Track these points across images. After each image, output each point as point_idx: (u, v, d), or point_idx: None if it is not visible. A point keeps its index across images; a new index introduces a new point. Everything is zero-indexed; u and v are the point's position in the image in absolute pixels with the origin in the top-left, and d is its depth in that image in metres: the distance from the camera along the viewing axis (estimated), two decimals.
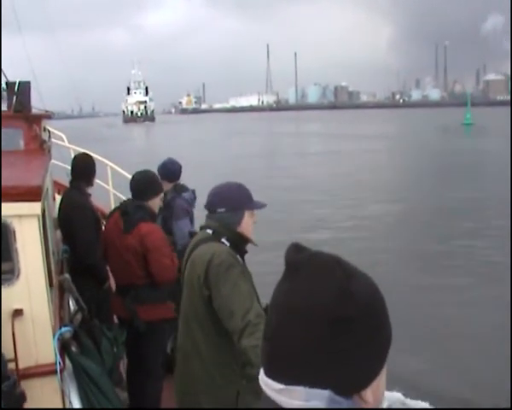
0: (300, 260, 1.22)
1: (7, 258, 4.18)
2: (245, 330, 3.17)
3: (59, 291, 5.30)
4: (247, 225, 3.79)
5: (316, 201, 24.99)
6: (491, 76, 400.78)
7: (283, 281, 1.22)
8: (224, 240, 3.66)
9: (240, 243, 3.75)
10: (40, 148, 6.39)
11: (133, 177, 5.58)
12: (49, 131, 8.08)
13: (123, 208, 5.44)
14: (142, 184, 5.47)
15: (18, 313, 4.12)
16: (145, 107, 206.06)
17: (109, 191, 9.99)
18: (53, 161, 8.19)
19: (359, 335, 1.14)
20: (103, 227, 6.15)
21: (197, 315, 3.58)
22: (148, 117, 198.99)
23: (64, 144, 10.99)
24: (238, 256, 3.61)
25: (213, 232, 3.72)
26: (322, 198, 25.55)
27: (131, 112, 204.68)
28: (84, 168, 6.39)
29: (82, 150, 8.75)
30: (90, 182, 6.40)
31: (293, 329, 1.14)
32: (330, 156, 43.18)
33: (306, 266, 1.20)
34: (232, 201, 3.74)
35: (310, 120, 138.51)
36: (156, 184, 5.61)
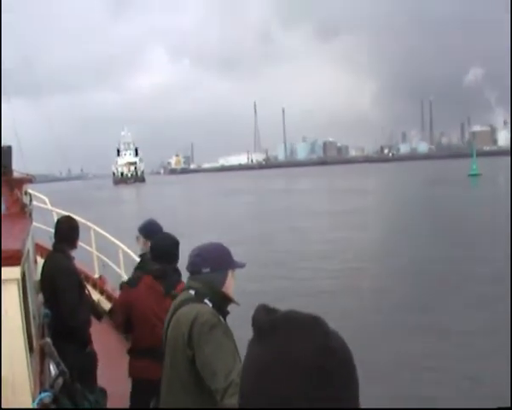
0: (277, 320, 1.25)
1: None
2: (228, 390, 3.16)
3: (40, 356, 5.18)
4: (230, 284, 3.83)
5: (304, 260, 24.45)
6: (476, 127, 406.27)
7: (259, 341, 1.24)
8: (206, 300, 3.68)
9: (222, 304, 3.75)
10: (21, 211, 6.40)
11: (157, 241, 5.54)
12: (30, 195, 7.94)
13: (158, 273, 5.40)
14: (170, 247, 5.53)
15: None
16: (135, 168, 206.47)
17: (93, 254, 10.02)
18: (35, 224, 8.27)
19: (338, 385, 1.20)
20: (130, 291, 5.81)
21: (180, 375, 3.55)
22: (138, 178, 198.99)
23: (47, 207, 11.05)
24: (220, 316, 3.61)
25: (196, 293, 3.73)
26: (310, 259, 24.97)
27: (121, 173, 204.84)
28: (67, 231, 6.39)
29: (64, 213, 8.85)
30: (73, 245, 6.44)
31: (275, 387, 1.17)
32: (319, 215, 42.76)
33: (284, 325, 1.23)
34: (216, 261, 3.77)
35: (300, 177, 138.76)
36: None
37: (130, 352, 5.75)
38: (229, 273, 3.82)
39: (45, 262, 6.45)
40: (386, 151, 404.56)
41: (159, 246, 5.50)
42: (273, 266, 22.39)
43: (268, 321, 1.25)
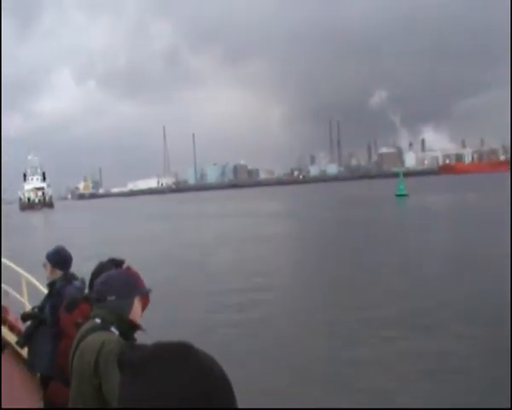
0: (148, 355, 1.26)
1: None
2: None
3: None
4: (137, 311, 3.83)
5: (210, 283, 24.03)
6: (383, 149, 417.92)
7: (135, 379, 1.24)
8: (113, 329, 3.66)
9: (129, 331, 3.73)
10: None
11: (99, 268, 5.06)
12: None
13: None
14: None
15: None
16: (43, 193, 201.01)
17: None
18: None
19: (219, 405, 1.24)
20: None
21: (86, 406, 3.48)
22: (46, 204, 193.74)
23: None
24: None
25: (102, 321, 3.69)
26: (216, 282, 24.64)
27: (28, 199, 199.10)
28: None
29: None
30: None
31: None
32: (227, 238, 42.48)
33: (157, 359, 1.25)
34: (122, 288, 3.76)
35: (210, 200, 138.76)
36: None
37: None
38: (136, 300, 3.81)
39: None
40: (296, 173, 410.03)
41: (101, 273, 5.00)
42: (178, 293, 21.76)
43: (139, 357, 1.25)
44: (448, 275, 21.06)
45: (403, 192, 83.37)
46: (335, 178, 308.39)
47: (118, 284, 3.79)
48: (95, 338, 3.57)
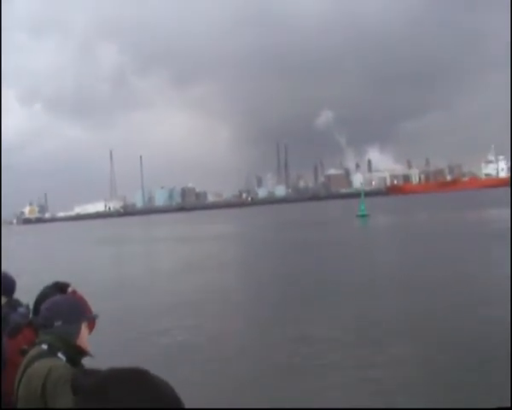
0: (103, 381, 1.25)
1: None
2: None
3: None
4: (84, 337, 3.81)
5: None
6: (331, 171, 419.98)
7: (92, 403, 1.22)
8: (60, 354, 3.63)
9: (76, 357, 3.70)
10: None
11: (43, 293, 5.15)
12: None
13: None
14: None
15: None
16: None
17: None
18: None
19: None
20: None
21: None
22: None
23: None
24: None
25: (48, 347, 3.66)
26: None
27: None
28: None
29: None
30: None
31: None
32: (175, 264, 42.39)
33: (112, 384, 1.23)
34: (68, 313, 3.74)
35: (158, 224, 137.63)
36: None
37: None
38: (83, 326, 3.80)
39: None
40: (244, 196, 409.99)
41: (46, 298, 4.94)
42: (125, 318, 21.55)
43: (93, 383, 1.23)
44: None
45: (364, 213, 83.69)
46: (284, 200, 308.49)
47: (64, 309, 3.77)
48: (41, 364, 3.53)
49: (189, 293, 26.25)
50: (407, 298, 19.84)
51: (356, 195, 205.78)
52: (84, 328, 3.82)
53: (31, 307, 5.67)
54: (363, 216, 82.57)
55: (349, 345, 14.38)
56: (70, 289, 5.28)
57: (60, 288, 5.35)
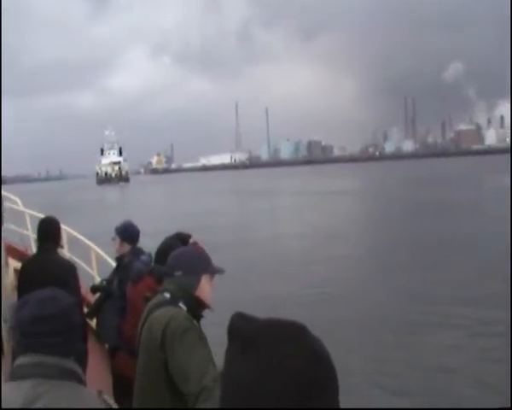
0: (260, 330, 1.21)
1: None
2: (200, 394, 3.14)
3: (12, 359, 4.65)
4: (205, 289, 3.77)
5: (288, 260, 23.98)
6: (461, 126, 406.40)
7: (243, 354, 1.20)
8: (181, 304, 3.65)
9: (197, 308, 3.72)
10: None
11: (166, 243, 5.21)
12: (0, 196, 7.79)
13: (161, 275, 4.77)
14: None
15: None
16: (119, 168, 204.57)
17: (64, 255, 9.37)
18: (6, 225, 8.27)
19: (331, 394, 1.21)
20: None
21: (152, 379, 3.50)
22: (122, 178, 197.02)
23: (18, 208, 10.92)
24: (195, 321, 3.57)
25: (171, 296, 3.69)
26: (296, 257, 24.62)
27: (105, 173, 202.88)
28: (55, 231, 6.29)
29: (36, 214, 9.46)
30: (58, 244, 6.38)
31: (267, 401, 1.14)
32: (304, 213, 41.75)
33: (268, 335, 1.20)
34: (189, 264, 3.76)
35: (285, 177, 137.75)
36: None
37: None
38: (203, 278, 3.77)
39: (42, 261, 6.05)
40: (370, 150, 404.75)
41: (167, 248, 5.03)
42: (251, 271, 21.50)
43: (250, 331, 1.21)
44: None
45: None
46: (412, 156, 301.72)
47: (185, 260, 3.80)
48: (162, 313, 3.58)
49: (311, 254, 25.79)
50: None
51: (489, 152, 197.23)
52: (204, 280, 3.78)
53: (153, 256, 5.68)
54: None
55: None
56: (191, 241, 5.21)
57: (181, 239, 5.33)
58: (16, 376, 2.46)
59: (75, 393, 2.47)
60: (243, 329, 1.21)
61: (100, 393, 2.63)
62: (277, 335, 1.19)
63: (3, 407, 2.34)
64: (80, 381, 2.57)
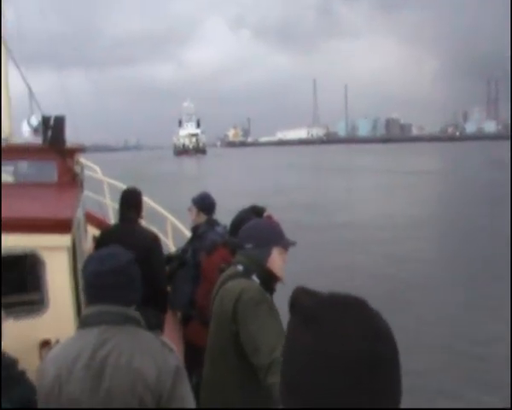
0: (322, 304, 1.22)
1: (36, 288, 4.37)
2: (271, 367, 3.10)
3: None
4: (276, 262, 3.75)
5: (363, 238, 23.86)
6: None
7: (305, 328, 1.20)
8: (254, 277, 3.66)
9: (269, 281, 3.71)
10: (73, 181, 6.60)
11: (240, 215, 5.35)
12: (82, 164, 8.10)
13: (235, 247, 4.74)
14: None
15: (45, 343, 4.20)
16: (196, 139, 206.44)
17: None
18: (86, 192, 8.55)
19: (394, 371, 1.19)
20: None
21: (223, 350, 3.54)
22: (199, 150, 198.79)
23: (98, 177, 11.18)
24: (267, 294, 3.55)
25: (244, 268, 3.71)
26: (372, 236, 24.36)
27: (183, 145, 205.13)
28: (136, 201, 6.45)
29: (115, 183, 10.05)
30: (140, 215, 6.49)
31: (330, 376, 1.14)
32: (381, 193, 41.09)
33: (331, 310, 1.20)
34: (259, 237, 3.76)
35: (362, 154, 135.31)
36: None
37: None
38: (275, 251, 3.74)
39: (124, 231, 6.14)
40: (450, 130, 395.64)
41: (241, 220, 5.12)
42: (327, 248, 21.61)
43: (312, 305, 1.21)
44: None
45: None
46: (494, 137, 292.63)
47: (256, 233, 3.80)
48: (234, 285, 3.59)
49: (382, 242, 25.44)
50: None
51: None
52: (275, 253, 3.75)
53: (228, 228, 5.79)
54: None
55: None
56: (266, 214, 5.33)
57: (256, 212, 5.41)
58: (85, 324, 2.91)
59: (137, 335, 2.92)
60: (305, 303, 1.21)
61: (158, 335, 3.12)
62: (338, 310, 1.19)
63: (78, 351, 2.81)
64: (140, 326, 3.02)
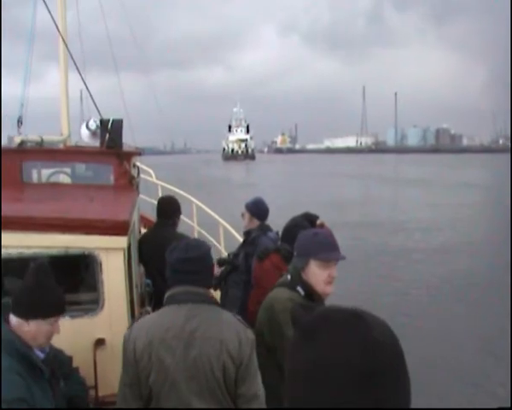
0: (316, 320, 1.24)
1: (92, 288, 4.51)
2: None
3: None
4: (314, 274, 3.71)
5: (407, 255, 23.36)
6: None
7: (304, 343, 1.22)
8: (298, 288, 3.71)
9: (311, 294, 3.70)
10: (129, 183, 6.76)
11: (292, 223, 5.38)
12: (138, 168, 8.30)
13: (288, 254, 5.06)
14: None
15: (100, 342, 4.36)
16: (245, 145, 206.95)
17: (194, 228, 10.42)
18: (140, 195, 8.71)
19: (390, 385, 1.19)
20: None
21: (266, 357, 3.71)
22: (248, 155, 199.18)
23: (152, 180, 11.57)
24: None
25: (291, 278, 3.79)
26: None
27: (232, 150, 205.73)
28: (170, 210, 6.83)
29: (169, 187, 10.66)
30: (175, 223, 6.87)
31: (331, 389, 1.15)
32: (427, 209, 39.96)
33: (325, 325, 1.21)
34: (299, 246, 3.81)
35: (412, 164, 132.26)
36: None
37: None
38: (312, 263, 3.72)
39: (156, 233, 6.70)
40: (501, 141, 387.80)
41: (294, 227, 5.23)
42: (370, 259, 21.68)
43: (310, 320, 1.23)
44: None
45: None
46: None
47: (299, 242, 3.84)
48: (272, 294, 3.81)
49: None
50: None
51: None
52: (313, 266, 3.73)
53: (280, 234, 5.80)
54: None
55: None
56: (319, 222, 5.34)
57: (309, 219, 5.42)
58: (173, 301, 3.41)
59: (219, 313, 3.47)
60: (302, 320, 1.24)
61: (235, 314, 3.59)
62: (335, 323, 1.20)
63: (169, 324, 3.33)
64: (219, 305, 3.61)
